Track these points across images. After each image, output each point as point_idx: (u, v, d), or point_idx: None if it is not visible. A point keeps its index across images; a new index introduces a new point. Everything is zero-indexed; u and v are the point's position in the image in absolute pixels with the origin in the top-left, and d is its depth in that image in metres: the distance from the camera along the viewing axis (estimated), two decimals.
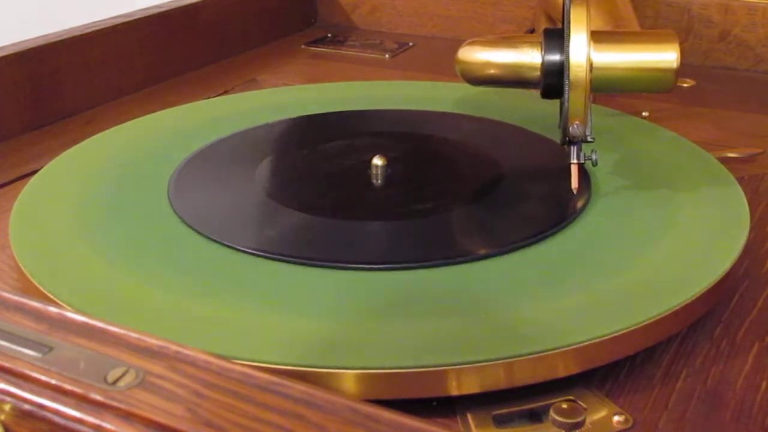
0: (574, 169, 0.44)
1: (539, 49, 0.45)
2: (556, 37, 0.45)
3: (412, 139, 0.55)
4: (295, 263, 0.40)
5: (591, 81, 0.44)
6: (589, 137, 0.44)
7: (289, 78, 0.73)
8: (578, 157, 0.44)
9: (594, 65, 0.44)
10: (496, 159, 0.50)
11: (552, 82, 0.45)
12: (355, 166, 0.49)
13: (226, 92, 0.69)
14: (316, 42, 0.83)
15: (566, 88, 0.43)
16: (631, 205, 0.45)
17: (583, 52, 0.43)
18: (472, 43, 0.48)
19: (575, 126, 0.43)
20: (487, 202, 0.46)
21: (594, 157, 0.44)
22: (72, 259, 0.40)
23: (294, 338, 0.34)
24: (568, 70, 0.43)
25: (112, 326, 0.26)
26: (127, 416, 0.23)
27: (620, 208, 0.45)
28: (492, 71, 0.47)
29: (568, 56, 0.43)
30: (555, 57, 0.45)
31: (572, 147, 0.44)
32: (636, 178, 0.48)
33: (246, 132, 0.55)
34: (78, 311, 0.28)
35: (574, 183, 0.44)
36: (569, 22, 0.43)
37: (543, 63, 0.45)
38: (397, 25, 0.86)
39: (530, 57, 0.46)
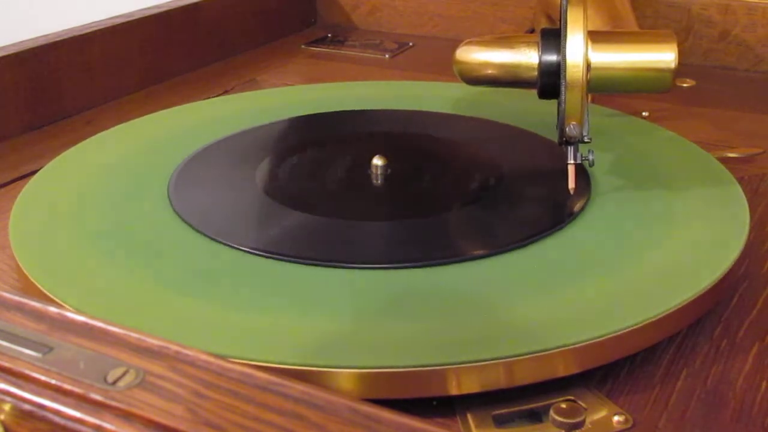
0: (571, 170, 0.44)
1: (536, 49, 0.45)
2: (553, 37, 0.45)
3: (412, 139, 0.55)
4: (295, 263, 0.40)
5: (588, 81, 0.44)
6: (586, 137, 0.44)
7: (289, 78, 0.73)
8: (575, 158, 0.44)
9: (591, 65, 0.44)
10: (495, 159, 0.50)
11: (549, 82, 0.45)
12: (355, 166, 0.50)
13: (226, 92, 0.69)
14: (316, 42, 0.83)
15: (563, 88, 0.43)
16: (630, 206, 0.45)
17: (579, 53, 0.43)
18: (470, 43, 0.48)
19: (572, 126, 0.43)
20: (486, 201, 0.46)
21: (591, 157, 0.44)
22: (72, 259, 0.40)
23: (294, 338, 0.34)
24: (565, 71, 0.43)
25: (112, 326, 0.26)
26: (127, 416, 0.23)
27: (620, 208, 0.45)
28: (489, 71, 0.47)
29: (564, 56, 0.43)
30: (552, 57, 0.45)
31: (569, 147, 0.44)
32: (636, 179, 0.48)
33: (246, 132, 0.55)
34: (78, 311, 0.28)
35: (571, 183, 0.44)
36: (566, 22, 0.43)
37: (540, 63, 0.45)
38: (397, 25, 0.86)
39: (527, 57, 0.46)
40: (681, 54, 0.45)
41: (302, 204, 0.45)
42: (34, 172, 0.50)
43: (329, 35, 0.85)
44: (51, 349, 0.25)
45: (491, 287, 0.38)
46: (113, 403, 0.23)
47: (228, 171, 0.50)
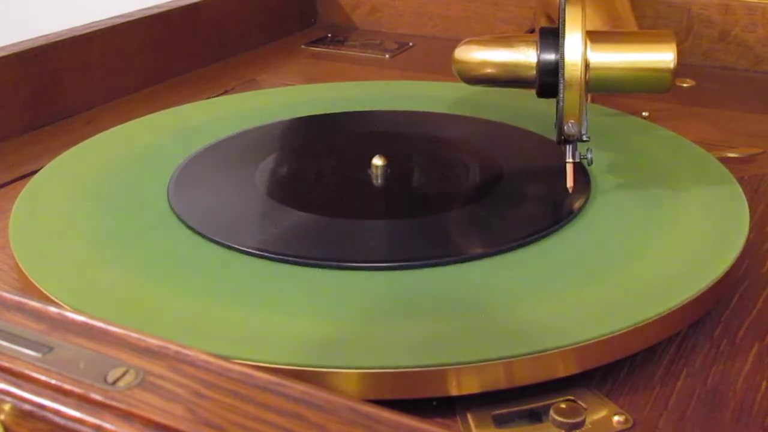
0: (569, 168, 0.44)
1: (535, 48, 0.45)
2: (552, 36, 0.45)
3: (412, 139, 0.55)
4: (295, 263, 0.40)
5: (588, 81, 0.44)
6: (584, 136, 0.44)
7: (289, 78, 0.73)
8: (573, 156, 0.44)
9: (590, 65, 0.44)
10: (495, 158, 0.50)
11: (547, 80, 0.45)
12: (355, 166, 0.50)
13: (226, 92, 0.69)
14: (316, 42, 0.83)
15: (561, 86, 0.43)
16: (630, 205, 0.45)
17: (578, 51, 0.43)
18: (469, 42, 0.48)
19: (570, 124, 0.43)
20: (486, 201, 0.46)
21: (589, 156, 0.44)
22: (72, 260, 0.40)
23: (294, 338, 0.34)
24: (563, 69, 0.43)
25: (112, 326, 0.26)
26: (127, 416, 0.23)
27: (620, 207, 0.45)
28: (488, 70, 0.47)
29: (563, 55, 0.43)
30: (550, 56, 0.45)
31: (567, 146, 0.44)
32: (636, 178, 0.48)
33: (246, 132, 0.55)
34: (78, 311, 0.28)
35: (570, 182, 0.44)
36: (564, 21, 0.43)
37: (538, 62, 0.45)
38: (397, 25, 0.86)
39: (526, 56, 0.46)
40: (681, 54, 0.45)
41: (302, 204, 0.45)
42: (34, 172, 0.50)
43: (329, 35, 0.85)
44: (51, 349, 0.25)
45: (491, 287, 0.38)
46: (113, 403, 0.23)
47: (228, 171, 0.50)
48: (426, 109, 0.59)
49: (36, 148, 0.58)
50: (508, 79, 0.47)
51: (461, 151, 0.53)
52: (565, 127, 0.43)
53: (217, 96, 0.67)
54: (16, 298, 0.27)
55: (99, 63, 0.65)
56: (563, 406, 0.33)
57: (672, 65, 0.44)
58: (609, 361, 0.35)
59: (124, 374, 0.24)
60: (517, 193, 0.47)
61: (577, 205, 0.45)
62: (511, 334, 0.35)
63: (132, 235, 0.43)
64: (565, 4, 0.43)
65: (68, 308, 0.35)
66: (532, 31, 0.73)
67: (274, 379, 0.24)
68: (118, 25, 0.67)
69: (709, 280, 0.38)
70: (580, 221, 0.43)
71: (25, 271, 0.39)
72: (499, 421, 0.33)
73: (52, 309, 0.27)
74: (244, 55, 0.79)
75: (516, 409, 0.33)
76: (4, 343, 0.25)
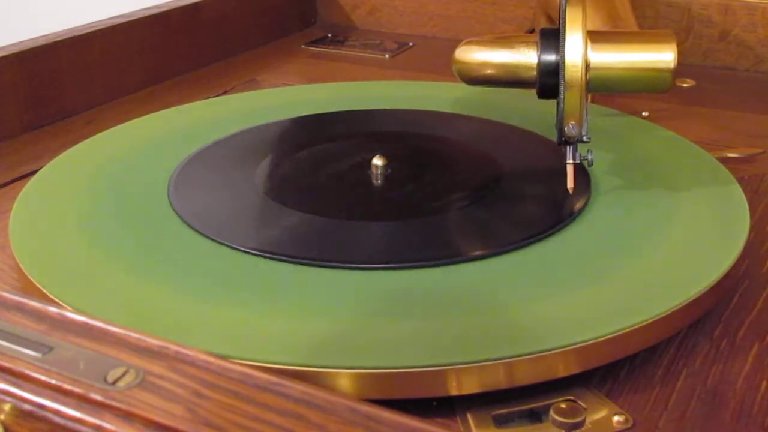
0: (569, 169, 0.44)
1: (535, 49, 0.45)
2: (553, 37, 0.45)
3: (412, 139, 0.55)
4: (295, 263, 0.40)
5: (588, 81, 0.44)
6: (585, 137, 0.44)
7: (289, 78, 0.73)
8: (574, 157, 0.44)
9: (591, 65, 0.44)
10: (495, 159, 0.50)
11: (548, 82, 0.45)
12: (355, 166, 0.50)
13: (226, 92, 0.69)
14: (316, 42, 0.83)
15: (562, 88, 0.43)
16: (630, 206, 0.45)
17: (578, 52, 0.43)
18: (469, 43, 0.48)
19: (571, 126, 0.43)
20: (486, 201, 0.46)
21: (590, 157, 0.44)
22: (72, 259, 0.40)
23: (294, 338, 0.34)
24: (564, 70, 0.43)
25: (112, 326, 0.26)
26: (127, 416, 0.23)
27: (620, 208, 0.45)
28: (488, 71, 0.47)
29: (563, 56, 0.43)
30: (551, 57, 0.45)
31: (568, 147, 0.44)
32: (636, 179, 0.48)
33: (246, 132, 0.55)
34: (78, 311, 0.28)
35: (570, 183, 0.44)
36: (565, 22, 0.43)
37: (539, 63, 0.45)
38: (396, 25, 0.86)
39: (526, 57, 0.46)
40: (681, 54, 0.45)
41: (302, 204, 0.45)
42: (34, 172, 0.50)
43: (329, 35, 0.85)
44: (51, 349, 0.25)
45: (491, 287, 0.38)
46: (113, 403, 0.23)
47: (228, 171, 0.50)
48: (426, 109, 0.59)
49: (36, 148, 0.58)
50: (508, 80, 0.47)
51: (461, 151, 0.53)
52: (566, 129, 0.43)
53: (217, 96, 0.67)
54: (16, 298, 0.27)
55: (99, 63, 0.65)
56: (563, 406, 0.33)
57: (672, 65, 0.44)
58: (609, 361, 0.35)
59: (124, 374, 0.24)
60: (518, 193, 0.47)
61: (577, 205, 0.45)
62: (511, 334, 0.35)
63: (132, 235, 0.43)
64: (565, 5, 0.43)
65: (68, 308, 0.35)
66: (532, 31, 0.73)
67: (274, 379, 0.24)
68: (118, 25, 0.67)
69: (709, 280, 0.38)
70: (580, 222, 0.43)
71: (25, 271, 0.39)
72: (499, 421, 0.33)
73: (52, 309, 0.27)
74: (244, 55, 0.79)
75: (516, 409, 0.33)
76: (4, 343, 0.25)
